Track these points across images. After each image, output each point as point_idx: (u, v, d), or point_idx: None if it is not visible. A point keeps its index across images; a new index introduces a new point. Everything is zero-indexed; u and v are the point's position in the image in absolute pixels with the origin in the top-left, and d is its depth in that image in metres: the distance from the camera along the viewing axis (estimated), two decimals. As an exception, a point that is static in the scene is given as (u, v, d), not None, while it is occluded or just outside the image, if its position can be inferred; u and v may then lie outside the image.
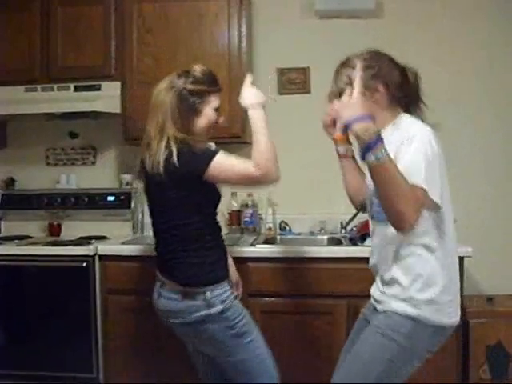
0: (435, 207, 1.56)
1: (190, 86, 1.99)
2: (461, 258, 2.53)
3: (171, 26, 3.01)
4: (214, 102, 2.04)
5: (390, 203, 1.45)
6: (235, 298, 2.03)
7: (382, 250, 1.70)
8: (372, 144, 1.42)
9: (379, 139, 1.43)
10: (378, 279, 1.77)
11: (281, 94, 3.27)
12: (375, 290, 1.77)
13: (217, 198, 2.07)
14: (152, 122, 1.98)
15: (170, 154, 1.87)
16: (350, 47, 3.37)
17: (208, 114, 2.02)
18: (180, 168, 1.86)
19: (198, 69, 2.05)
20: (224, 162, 1.89)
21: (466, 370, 2.65)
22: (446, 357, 2.53)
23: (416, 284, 1.61)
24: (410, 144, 1.53)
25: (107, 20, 3.06)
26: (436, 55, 3.15)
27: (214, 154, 1.90)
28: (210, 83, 2.03)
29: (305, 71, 3.23)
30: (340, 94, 1.64)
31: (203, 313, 1.91)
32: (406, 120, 1.70)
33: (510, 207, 3.12)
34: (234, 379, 2.06)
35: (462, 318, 2.54)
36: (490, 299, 2.86)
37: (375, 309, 1.74)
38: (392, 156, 1.48)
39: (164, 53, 3.02)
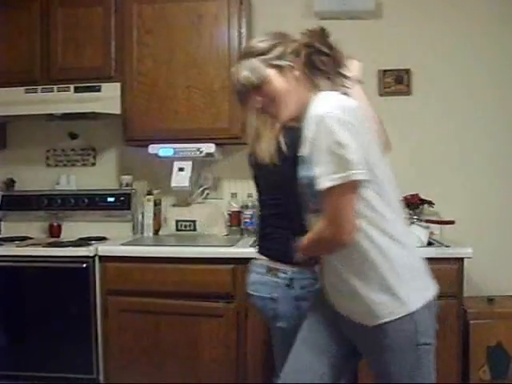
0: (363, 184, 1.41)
1: None
2: (461, 259, 2.54)
3: (171, 26, 3.01)
4: None
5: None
6: (317, 291, 1.99)
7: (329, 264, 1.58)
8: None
9: None
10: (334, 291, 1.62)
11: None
12: (340, 302, 1.59)
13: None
14: (260, 119, 2.03)
15: (280, 142, 1.96)
16: (350, 48, 3.37)
17: None
18: (290, 151, 1.92)
19: None
20: None
21: (467, 370, 2.64)
22: (447, 357, 2.53)
23: (388, 275, 1.47)
24: (319, 138, 1.40)
25: (107, 21, 3.06)
26: (435, 56, 3.15)
27: None
28: None
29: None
30: (243, 93, 1.57)
31: (280, 291, 1.95)
32: (317, 99, 1.49)
33: (510, 208, 3.12)
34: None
35: (462, 318, 2.58)
36: (490, 300, 2.85)
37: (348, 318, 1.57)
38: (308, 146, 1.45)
39: (164, 54, 3.02)
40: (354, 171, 1.35)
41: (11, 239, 3.16)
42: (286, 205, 2.01)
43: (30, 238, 3.27)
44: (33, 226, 3.40)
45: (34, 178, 3.46)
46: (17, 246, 2.99)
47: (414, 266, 1.53)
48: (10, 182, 3.47)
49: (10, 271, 2.88)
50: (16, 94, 3.07)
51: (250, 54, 1.56)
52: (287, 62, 1.53)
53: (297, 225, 1.99)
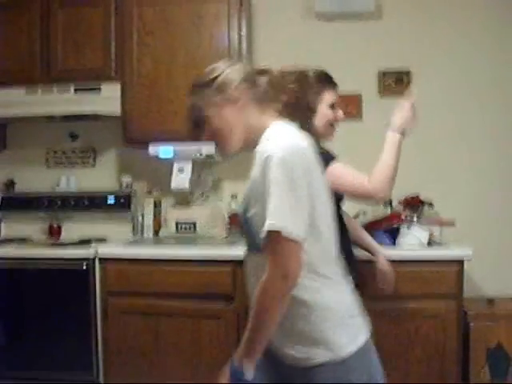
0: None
1: None
2: (461, 261, 2.54)
3: (171, 27, 3.01)
4: (327, 99, 2.04)
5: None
6: None
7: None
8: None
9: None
10: None
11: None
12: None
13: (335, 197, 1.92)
14: None
15: None
16: (350, 49, 3.38)
17: (323, 112, 2.03)
18: None
19: (310, 69, 2.06)
20: (341, 170, 1.89)
21: (467, 372, 2.64)
22: (447, 359, 2.53)
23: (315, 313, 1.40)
24: (262, 181, 1.33)
25: (107, 22, 3.06)
26: (435, 57, 3.15)
27: (332, 159, 1.91)
28: (322, 80, 2.04)
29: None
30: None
31: None
32: (267, 134, 1.42)
33: (510, 209, 3.12)
34: None
35: (462, 319, 2.58)
36: (490, 301, 2.85)
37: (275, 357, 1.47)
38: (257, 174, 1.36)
39: (164, 54, 3.02)
40: (290, 227, 1.29)
41: (11, 240, 3.17)
42: None
43: (31, 239, 3.27)
44: (33, 227, 3.40)
45: (34, 179, 3.46)
46: (17, 247, 2.99)
47: (347, 309, 1.46)
48: (10, 183, 3.47)
49: (10, 272, 2.88)
50: (16, 95, 3.07)
51: (197, 85, 1.52)
52: (232, 91, 1.45)
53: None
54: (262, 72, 1.51)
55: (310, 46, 3.20)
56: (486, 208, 3.11)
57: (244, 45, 3.00)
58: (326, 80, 2.06)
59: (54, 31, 3.10)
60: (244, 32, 3.00)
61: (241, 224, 1.51)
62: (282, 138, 1.37)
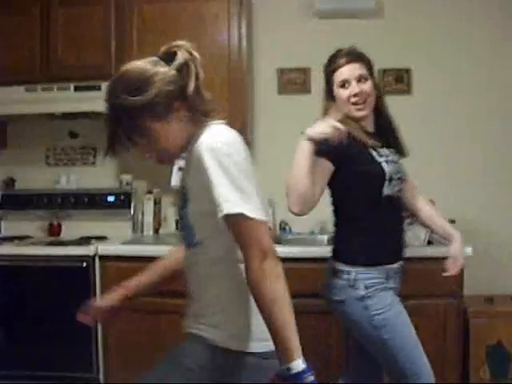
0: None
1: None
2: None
3: (171, 26, 3.01)
4: (336, 79, 2.03)
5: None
6: (385, 289, 1.97)
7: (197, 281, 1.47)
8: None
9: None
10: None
11: (281, 94, 3.27)
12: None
13: (369, 179, 1.94)
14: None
15: None
16: (350, 47, 3.33)
17: (337, 94, 2.03)
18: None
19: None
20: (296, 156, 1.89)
21: (467, 369, 2.65)
22: (447, 356, 2.54)
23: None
24: (202, 169, 1.30)
25: (107, 20, 3.06)
26: (435, 55, 3.15)
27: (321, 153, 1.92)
28: (332, 63, 2.06)
29: (305, 71, 3.23)
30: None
31: (345, 293, 1.93)
32: (203, 134, 1.37)
33: (510, 207, 3.12)
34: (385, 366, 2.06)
35: (462, 317, 2.58)
36: (489, 299, 2.86)
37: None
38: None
39: (164, 53, 3.02)
40: (248, 208, 1.26)
41: (11, 238, 3.17)
42: (338, 203, 2.02)
43: (30, 237, 3.27)
44: (33, 225, 3.40)
45: (35, 177, 3.46)
46: (17, 245, 2.99)
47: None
48: (11, 181, 3.47)
49: (10, 270, 2.88)
50: (16, 93, 3.07)
51: (122, 90, 1.45)
52: (162, 108, 1.40)
53: (351, 224, 2.00)
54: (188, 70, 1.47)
55: (310, 44, 3.21)
56: (485, 207, 3.12)
57: (244, 43, 3.00)
58: (335, 60, 2.06)
59: (53, 29, 3.10)
60: (244, 30, 3.00)
61: (179, 219, 1.49)
62: (215, 133, 1.35)
